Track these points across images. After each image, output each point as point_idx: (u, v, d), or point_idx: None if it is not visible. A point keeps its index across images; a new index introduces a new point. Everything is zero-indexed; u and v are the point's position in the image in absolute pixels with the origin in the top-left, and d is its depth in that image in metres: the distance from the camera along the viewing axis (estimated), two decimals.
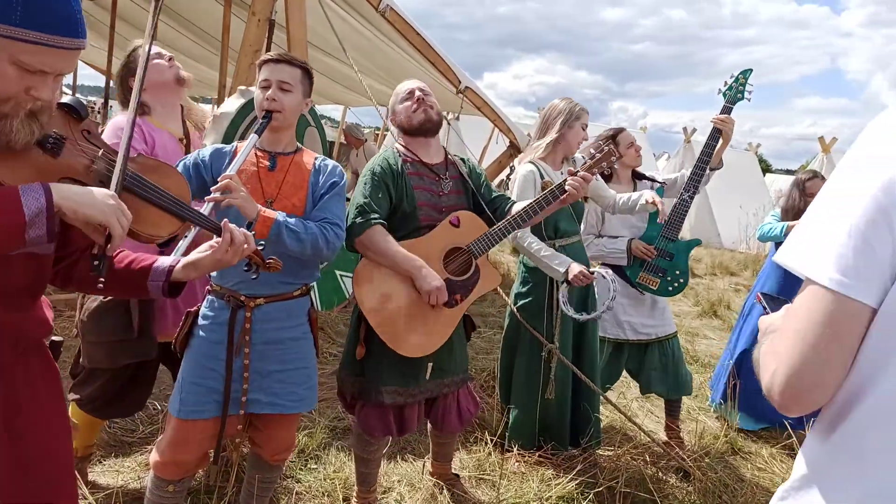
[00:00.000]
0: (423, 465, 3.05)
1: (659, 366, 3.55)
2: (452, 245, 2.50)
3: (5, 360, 1.37)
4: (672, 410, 3.69)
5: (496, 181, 7.79)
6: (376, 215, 2.39)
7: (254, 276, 1.80)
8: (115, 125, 2.45)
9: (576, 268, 2.89)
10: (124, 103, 2.63)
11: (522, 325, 3.23)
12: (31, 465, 1.42)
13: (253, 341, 2.11)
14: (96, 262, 1.31)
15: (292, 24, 4.20)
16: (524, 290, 3.27)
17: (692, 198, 3.30)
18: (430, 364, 2.54)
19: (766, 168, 32.35)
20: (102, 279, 1.33)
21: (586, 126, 3.20)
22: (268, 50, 4.25)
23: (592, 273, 2.96)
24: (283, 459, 2.36)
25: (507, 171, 6.79)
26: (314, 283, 2.37)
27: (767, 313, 1.08)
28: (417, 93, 2.54)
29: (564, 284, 2.98)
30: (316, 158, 2.24)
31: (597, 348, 3.30)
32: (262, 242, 1.78)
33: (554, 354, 3.14)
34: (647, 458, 3.11)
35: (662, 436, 3.67)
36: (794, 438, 3.41)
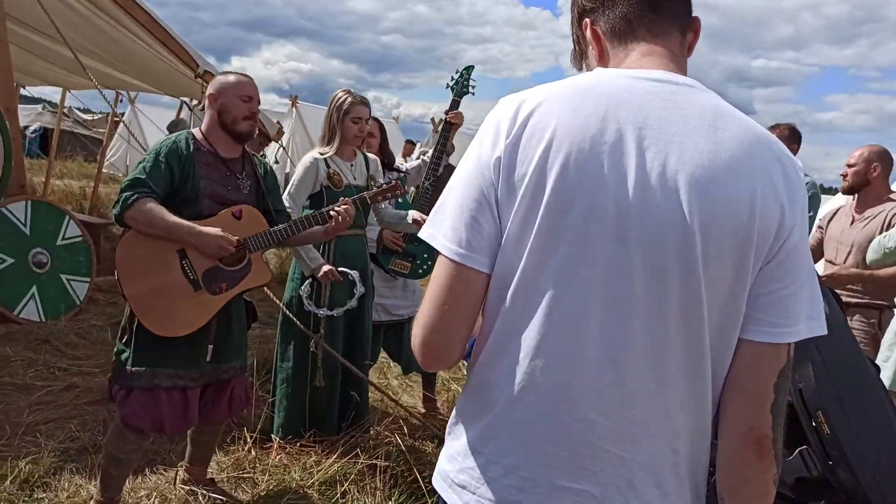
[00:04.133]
0: (175, 475, 2.86)
1: None
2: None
3: None
4: (428, 384, 3.92)
5: None
6: (147, 189, 2.30)
7: None
8: None
9: (325, 267, 3.04)
10: None
11: (288, 316, 3.22)
12: None
13: None
14: None
15: None
16: (296, 280, 3.26)
17: (433, 185, 3.53)
18: (211, 347, 2.46)
19: None
20: None
21: (361, 119, 3.19)
22: None
23: (342, 273, 3.08)
24: None
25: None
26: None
27: None
28: (255, 105, 2.52)
29: (309, 279, 3.14)
30: None
31: (367, 336, 3.36)
32: None
33: (320, 345, 3.16)
34: (406, 431, 3.27)
35: (421, 408, 3.89)
36: None
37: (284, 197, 3.06)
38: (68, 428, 3.20)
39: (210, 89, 2.53)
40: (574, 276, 0.94)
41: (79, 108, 20.07)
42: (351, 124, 3.18)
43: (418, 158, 4.17)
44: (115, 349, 2.45)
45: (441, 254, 1.01)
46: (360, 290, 3.13)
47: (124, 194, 2.29)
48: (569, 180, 0.93)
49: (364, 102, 3.20)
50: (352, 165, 3.25)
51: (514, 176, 0.96)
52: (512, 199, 0.96)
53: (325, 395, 3.25)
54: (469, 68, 3.55)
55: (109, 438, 2.47)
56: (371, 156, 3.43)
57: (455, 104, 3.54)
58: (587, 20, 1.09)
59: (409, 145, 11.34)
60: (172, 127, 7.50)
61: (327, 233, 2.65)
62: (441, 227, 1.02)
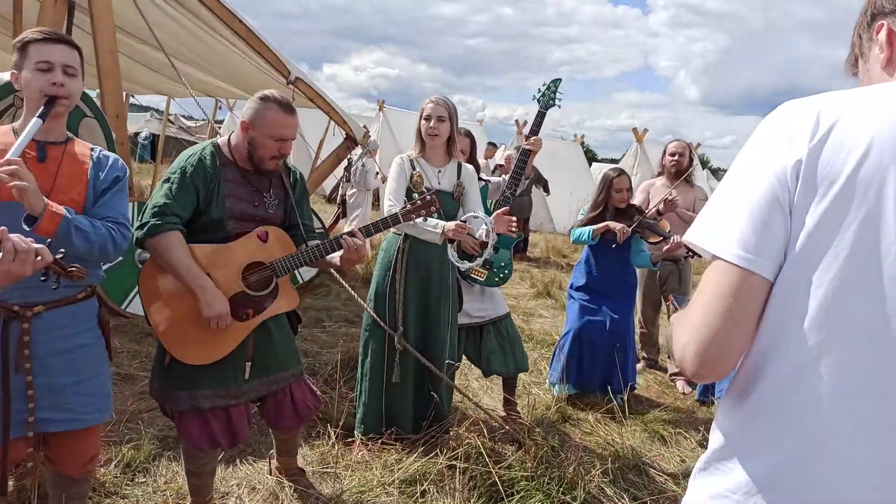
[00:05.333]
0: (266, 465, 2.97)
1: (497, 347, 3.72)
2: (256, 259, 2.39)
3: None
4: (509, 387, 3.89)
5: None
6: (175, 219, 2.24)
7: (54, 287, 1.69)
8: None
9: (450, 225, 3.01)
10: None
11: (368, 312, 3.30)
12: None
13: (35, 354, 1.90)
14: None
15: (96, 6, 3.86)
16: (376, 276, 3.35)
17: (514, 195, 3.52)
18: (248, 364, 2.44)
19: (592, 157, 34.87)
20: None
21: (431, 116, 3.21)
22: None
23: (465, 221, 3.10)
24: (90, 471, 2.19)
25: (343, 163, 6.70)
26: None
27: (676, 310, 1.20)
28: (287, 146, 2.39)
29: (449, 244, 3.15)
30: (93, 150, 2.07)
31: (443, 333, 3.37)
32: (63, 251, 1.67)
33: (400, 341, 3.22)
34: (485, 434, 3.25)
35: (501, 411, 3.86)
36: (615, 404, 3.74)
37: (387, 197, 3.15)
38: (167, 417, 3.39)
39: (245, 115, 2.37)
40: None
41: (183, 116, 21.32)
42: (423, 122, 3.24)
43: (503, 158, 4.15)
44: (155, 371, 2.44)
45: (721, 259, 0.96)
46: (492, 238, 3.09)
47: (152, 220, 2.21)
48: (891, 195, 0.88)
49: (433, 101, 3.23)
50: (440, 171, 3.28)
51: (817, 181, 0.91)
52: (810, 206, 0.92)
53: (400, 393, 3.30)
54: (556, 81, 3.54)
55: (184, 456, 2.54)
56: (468, 166, 3.43)
57: (541, 115, 3.53)
58: (884, 22, 1.04)
59: (492, 148, 11.32)
60: (370, 145, 7.76)
61: (340, 263, 2.50)
62: (720, 231, 0.98)
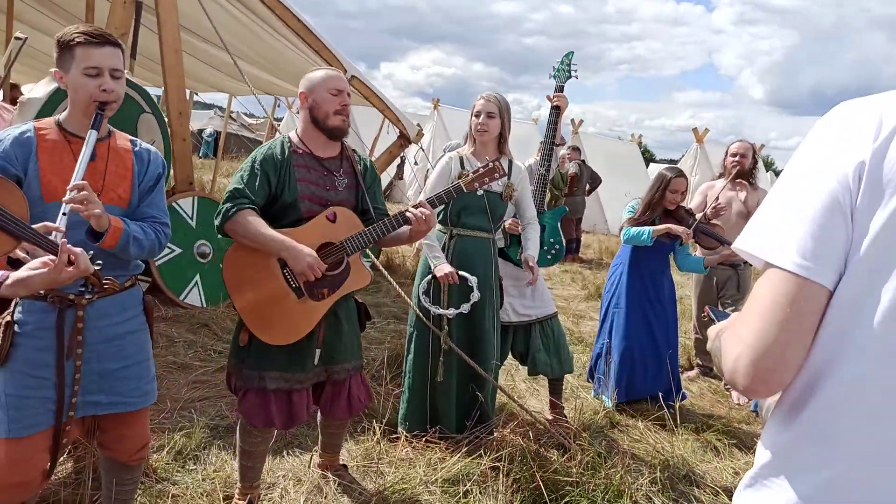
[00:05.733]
0: (311, 458, 3.01)
1: (542, 346, 3.68)
2: (326, 239, 2.46)
3: None
4: (555, 389, 3.84)
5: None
6: (246, 200, 2.36)
7: (88, 297, 1.82)
8: None
9: (445, 268, 3.06)
10: None
11: (414, 310, 3.31)
12: None
13: (88, 341, 1.97)
14: None
15: (162, 6, 3.99)
16: (420, 273, 3.36)
17: (549, 170, 3.54)
18: (318, 350, 2.52)
19: (650, 158, 34.17)
20: None
21: (481, 112, 3.20)
22: (135, 34, 4.02)
23: (461, 277, 3.08)
24: (142, 458, 2.25)
25: (396, 161, 6.75)
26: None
27: (714, 323, 1.16)
28: (345, 98, 2.49)
29: (429, 277, 3.18)
30: (133, 143, 2.11)
31: (488, 333, 3.35)
32: (101, 262, 1.76)
33: (445, 341, 3.22)
34: (530, 436, 3.22)
35: (548, 414, 3.81)
36: (665, 411, 3.64)
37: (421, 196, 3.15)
38: (219, 406, 3.48)
39: (301, 87, 2.50)
40: None
41: (244, 113, 21.90)
42: (473, 118, 3.23)
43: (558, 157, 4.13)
44: (232, 349, 2.55)
45: (776, 267, 0.92)
46: (475, 296, 3.09)
47: (225, 206, 2.35)
48: None
49: (484, 97, 3.21)
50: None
51: (883, 184, 0.87)
52: (875, 211, 0.87)
53: (444, 392, 3.29)
54: (569, 54, 3.64)
55: (239, 433, 2.60)
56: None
57: (559, 89, 3.57)
58: None
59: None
60: (447, 149, 7.90)
61: (409, 236, 2.56)
62: (774, 237, 0.93)
